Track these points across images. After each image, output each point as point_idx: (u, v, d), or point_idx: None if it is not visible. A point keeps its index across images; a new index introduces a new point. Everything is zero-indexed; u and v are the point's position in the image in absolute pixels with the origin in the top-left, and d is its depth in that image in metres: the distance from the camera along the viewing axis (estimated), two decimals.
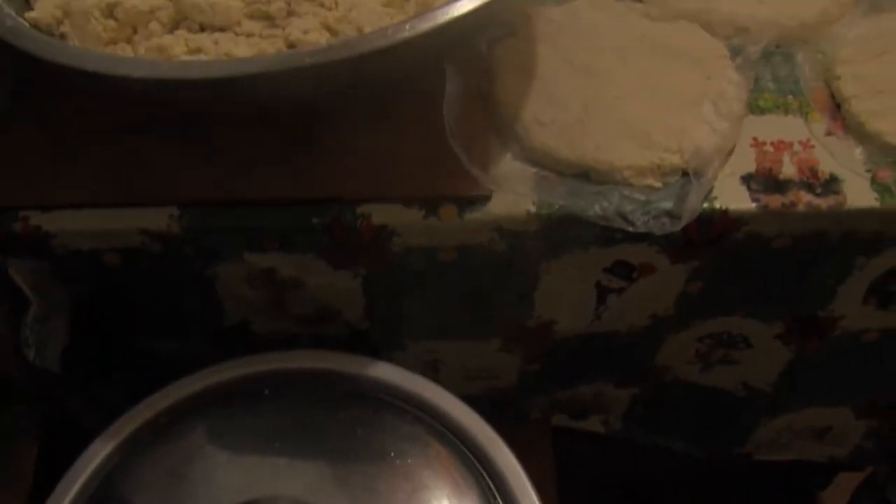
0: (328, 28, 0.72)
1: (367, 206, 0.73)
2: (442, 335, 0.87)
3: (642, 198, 0.73)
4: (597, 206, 0.72)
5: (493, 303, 0.82)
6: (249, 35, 0.72)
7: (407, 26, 0.60)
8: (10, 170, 0.75)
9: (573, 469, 1.05)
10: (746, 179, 0.75)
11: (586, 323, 0.85)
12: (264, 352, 0.80)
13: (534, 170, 0.75)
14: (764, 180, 0.75)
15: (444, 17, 0.61)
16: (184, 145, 0.76)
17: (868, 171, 0.76)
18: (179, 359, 0.82)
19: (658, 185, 0.74)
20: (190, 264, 0.76)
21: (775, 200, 0.74)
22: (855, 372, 0.94)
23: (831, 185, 0.75)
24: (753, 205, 0.73)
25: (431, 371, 0.91)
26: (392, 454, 0.74)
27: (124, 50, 0.73)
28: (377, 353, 0.81)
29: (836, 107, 0.81)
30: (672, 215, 0.72)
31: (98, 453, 0.74)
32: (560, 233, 0.74)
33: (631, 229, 0.71)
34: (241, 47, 0.71)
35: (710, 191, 0.74)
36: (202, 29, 0.73)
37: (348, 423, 0.76)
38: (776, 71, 0.84)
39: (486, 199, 0.73)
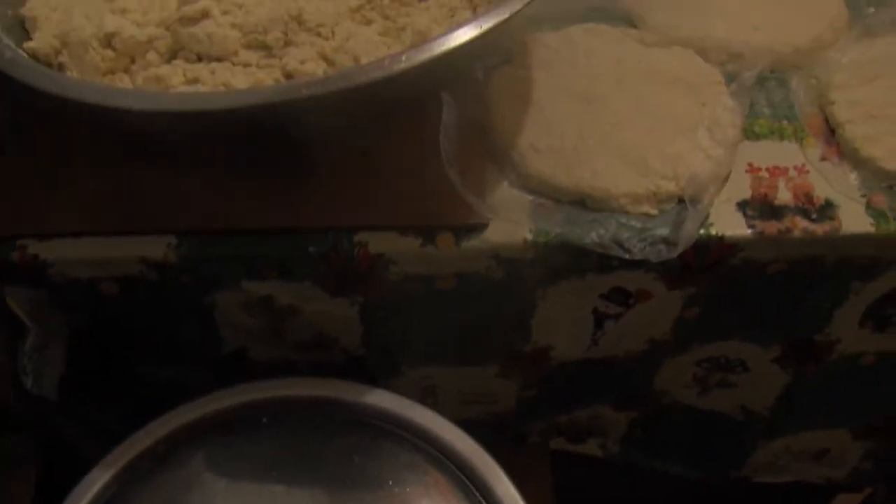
0: (325, 58, 0.72)
1: (364, 235, 0.73)
2: (439, 361, 0.88)
3: (639, 225, 0.73)
4: (593, 234, 0.72)
5: (490, 329, 0.83)
6: (246, 65, 0.73)
7: (403, 57, 0.61)
8: (7, 198, 0.75)
9: (572, 493, 1.05)
10: (742, 206, 0.75)
11: (583, 349, 0.85)
12: (262, 379, 0.80)
13: (530, 197, 0.76)
14: (759, 206, 0.75)
15: (441, 47, 0.62)
16: (181, 174, 0.76)
17: (863, 196, 0.77)
18: (177, 386, 0.82)
19: (654, 212, 0.74)
20: (188, 292, 0.76)
21: (771, 226, 0.74)
22: (852, 395, 0.94)
23: (827, 210, 0.75)
24: (749, 231, 0.74)
25: (429, 396, 0.91)
26: (390, 482, 0.73)
27: (122, 80, 0.73)
28: (374, 380, 0.81)
29: (831, 132, 0.81)
30: (668, 242, 0.72)
31: (96, 481, 0.74)
32: (557, 260, 0.74)
33: (628, 257, 0.71)
34: (238, 77, 0.71)
35: (707, 217, 0.74)
36: (199, 59, 0.73)
37: (346, 451, 0.75)
38: (771, 96, 0.84)
39: (483, 226, 0.73)
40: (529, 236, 0.73)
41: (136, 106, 0.62)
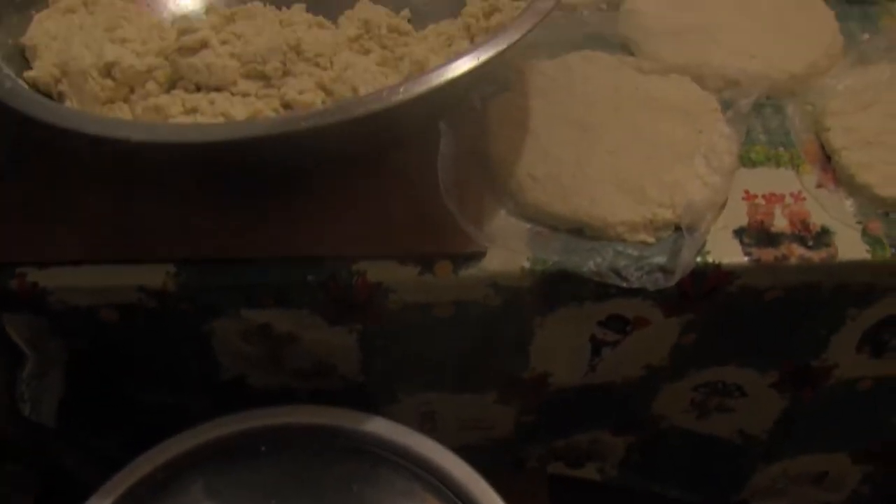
0: (323, 88, 0.73)
1: (362, 264, 0.73)
2: (438, 388, 0.88)
3: (636, 253, 0.74)
4: (591, 262, 0.73)
5: (488, 357, 0.83)
6: (245, 95, 0.73)
7: (402, 89, 0.61)
8: (7, 226, 0.76)
9: None
10: (739, 233, 0.76)
11: (581, 375, 0.85)
12: (261, 406, 0.80)
13: (528, 225, 0.76)
14: (756, 234, 0.76)
15: (439, 79, 0.62)
16: (180, 203, 0.76)
17: (859, 222, 0.77)
18: (176, 413, 0.82)
19: (651, 240, 0.75)
20: (187, 320, 0.76)
21: (768, 254, 0.74)
22: (850, 419, 0.94)
23: (823, 237, 0.76)
24: (746, 258, 0.74)
25: (427, 422, 0.91)
26: None
27: (121, 109, 0.74)
28: (373, 407, 0.81)
29: (827, 158, 0.82)
30: (665, 270, 0.72)
31: None
32: (554, 288, 0.74)
33: (625, 285, 0.72)
34: (237, 107, 0.72)
35: (703, 245, 0.74)
36: (198, 88, 0.74)
37: (345, 479, 0.75)
38: (767, 123, 0.85)
39: (481, 255, 0.73)
40: (527, 264, 0.73)
41: (135, 137, 0.62)
